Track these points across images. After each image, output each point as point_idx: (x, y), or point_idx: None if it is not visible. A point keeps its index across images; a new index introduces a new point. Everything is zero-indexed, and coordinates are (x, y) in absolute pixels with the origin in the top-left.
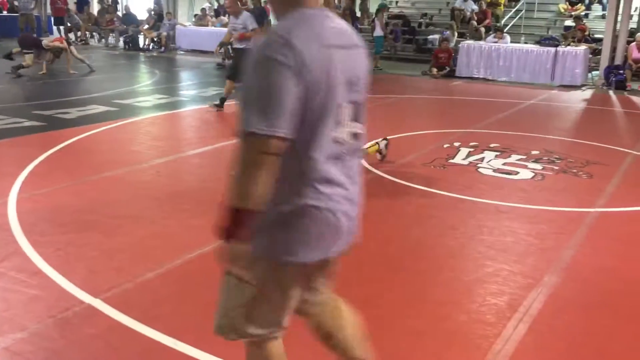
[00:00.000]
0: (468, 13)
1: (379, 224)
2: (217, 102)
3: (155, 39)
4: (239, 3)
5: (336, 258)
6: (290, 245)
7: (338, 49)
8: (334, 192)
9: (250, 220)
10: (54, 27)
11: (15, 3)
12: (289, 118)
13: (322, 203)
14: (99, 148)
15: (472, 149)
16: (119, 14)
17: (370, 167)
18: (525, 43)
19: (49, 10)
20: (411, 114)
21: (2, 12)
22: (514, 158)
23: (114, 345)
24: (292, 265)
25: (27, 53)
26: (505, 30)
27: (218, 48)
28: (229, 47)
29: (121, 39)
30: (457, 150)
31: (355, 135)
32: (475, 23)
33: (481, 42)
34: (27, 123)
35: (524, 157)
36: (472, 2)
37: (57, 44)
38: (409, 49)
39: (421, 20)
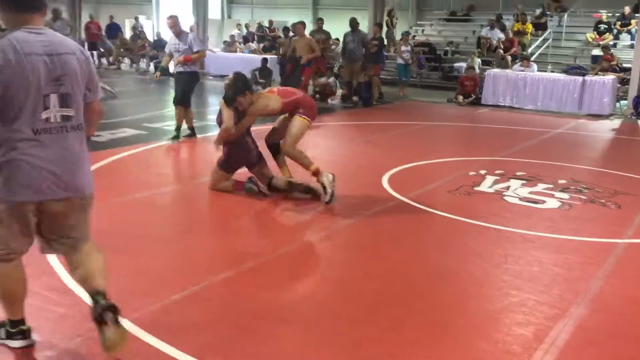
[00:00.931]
0: (494, 41)
1: (404, 250)
2: (175, 134)
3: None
4: (180, 23)
5: (62, 208)
6: (3, 187)
7: (40, 55)
8: (37, 152)
9: None
10: (87, 52)
11: (53, 29)
12: None
13: (25, 158)
14: (128, 170)
15: (498, 177)
16: (150, 39)
17: (395, 194)
18: (552, 72)
19: (83, 36)
20: (436, 141)
21: None
22: (540, 187)
23: None
24: (5, 202)
25: None
26: (532, 59)
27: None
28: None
29: (152, 64)
30: (483, 178)
31: (64, 117)
32: (501, 51)
33: (507, 70)
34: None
35: (551, 186)
36: (499, 31)
37: None
38: (435, 77)
39: (447, 48)
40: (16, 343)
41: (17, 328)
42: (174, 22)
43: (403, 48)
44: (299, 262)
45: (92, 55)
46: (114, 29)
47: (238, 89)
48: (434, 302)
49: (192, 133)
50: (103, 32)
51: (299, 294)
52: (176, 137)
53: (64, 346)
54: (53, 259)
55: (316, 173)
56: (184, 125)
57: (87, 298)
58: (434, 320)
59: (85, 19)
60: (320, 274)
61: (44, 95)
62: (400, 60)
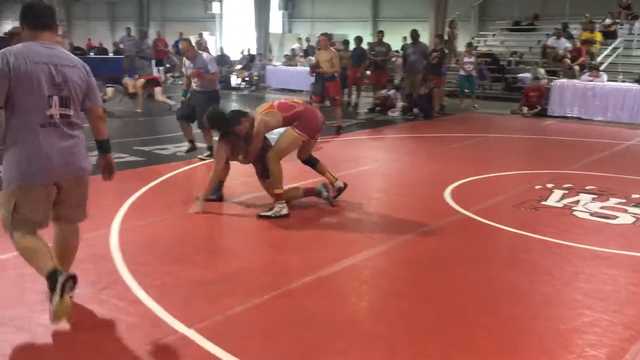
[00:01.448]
0: (561, 51)
1: (471, 267)
2: (189, 147)
3: (246, 79)
4: (194, 47)
5: (65, 187)
6: (18, 173)
7: (42, 64)
8: (41, 142)
9: None
10: (155, 68)
11: (121, 46)
12: None
13: (32, 148)
14: (192, 183)
15: (566, 191)
16: (213, 55)
17: (458, 208)
18: (624, 82)
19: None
20: (500, 153)
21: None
22: (612, 201)
23: None
24: (17, 187)
25: (110, 87)
26: (601, 69)
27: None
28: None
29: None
30: (550, 192)
31: (63, 115)
32: (568, 61)
33: (575, 81)
34: (129, 158)
35: (624, 200)
36: (565, 40)
37: (137, 85)
38: (498, 88)
39: (511, 58)
40: (66, 293)
41: (58, 275)
42: (187, 47)
43: (466, 59)
44: (360, 276)
45: (158, 71)
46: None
47: (232, 121)
48: (502, 321)
49: (192, 149)
50: (170, 49)
51: (359, 308)
52: (192, 149)
53: (133, 354)
54: (124, 270)
55: (279, 197)
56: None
57: (154, 308)
58: (503, 341)
59: (152, 36)
60: (382, 288)
61: (48, 96)
62: (462, 72)
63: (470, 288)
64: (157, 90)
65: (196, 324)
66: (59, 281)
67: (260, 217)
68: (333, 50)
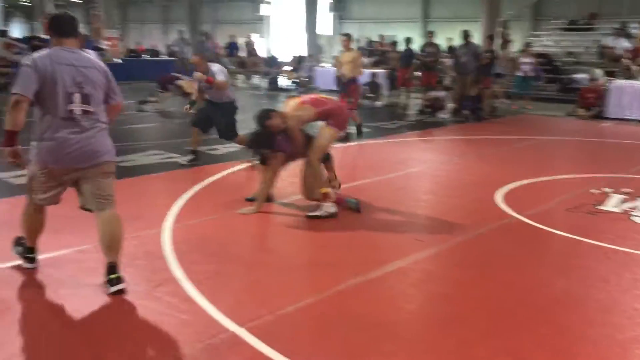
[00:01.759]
0: (619, 51)
1: (523, 272)
2: (191, 158)
3: (296, 80)
4: (204, 60)
5: (84, 175)
6: (40, 157)
7: (65, 65)
8: (63, 133)
9: (11, 135)
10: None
11: (175, 48)
12: (28, 89)
13: (54, 138)
14: (242, 183)
15: (625, 196)
16: (263, 57)
17: (510, 212)
18: None
19: None
20: (554, 156)
21: (158, 56)
22: None
23: None
24: (40, 167)
25: (161, 92)
26: None
27: (189, 107)
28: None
29: (265, 80)
30: (607, 196)
31: (85, 111)
32: (626, 61)
33: (634, 82)
34: (180, 158)
35: None
36: (624, 40)
37: (184, 85)
38: (552, 89)
39: (566, 58)
40: (27, 264)
41: (31, 253)
42: (198, 61)
43: (523, 60)
44: (408, 279)
45: None
46: (233, 48)
47: (261, 118)
48: (556, 329)
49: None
50: (222, 51)
51: (408, 311)
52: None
53: (185, 351)
54: (176, 268)
55: (325, 196)
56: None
57: (205, 306)
58: (557, 348)
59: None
60: (431, 291)
61: (69, 93)
62: (519, 73)
63: (521, 293)
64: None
65: (247, 323)
66: (29, 259)
67: (309, 217)
68: (356, 51)
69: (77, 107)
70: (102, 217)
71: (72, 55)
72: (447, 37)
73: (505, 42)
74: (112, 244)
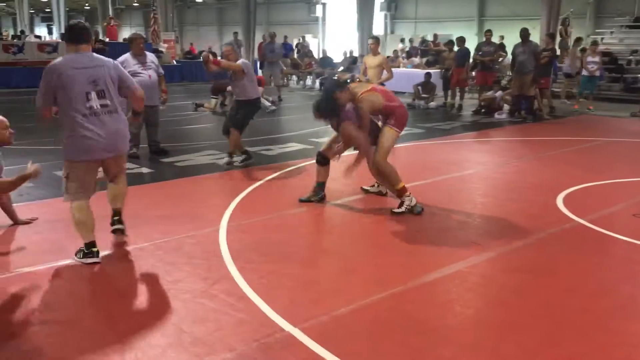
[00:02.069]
0: None
1: (584, 278)
2: (237, 159)
3: (348, 80)
4: (235, 52)
5: (109, 160)
6: (71, 152)
7: (80, 69)
8: (87, 128)
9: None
10: (259, 71)
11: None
12: (47, 100)
13: (80, 133)
14: (297, 183)
15: None
16: (316, 57)
17: (572, 216)
18: None
19: (256, 55)
20: (618, 158)
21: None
22: None
23: None
24: (74, 162)
25: (214, 98)
26: None
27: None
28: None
29: (317, 80)
30: None
31: (103, 105)
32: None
33: None
34: (236, 158)
35: None
36: None
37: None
38: (616, 89)
39: (631, 57)
40: (89, 260)
41: (90, 249)
42: (230, 50)
43: (590, 59)
44: (465, 283)
45: (262, 73)
46: (287, 49)
47: (333, 87)
48: (621, 337)
49: (246, 158)
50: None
51: (465, 316)
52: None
53: (241, 350)
54: (232, 267)
55: (402, 191)
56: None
57: (261, 305)
58: (621, 357)
59: (258, 39)
60: (490, 296)
61: (86, 92)
62: (585, 72)
63: (584, 300)
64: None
65: (302, 323)
66: (93, 253)
67: (394, 213)
68: (383, 55)
69: (95, 103)
70: (115, 182)
71: (86, 59)
72: (500, 35)
73: (565, 40)
74: (118, 196)
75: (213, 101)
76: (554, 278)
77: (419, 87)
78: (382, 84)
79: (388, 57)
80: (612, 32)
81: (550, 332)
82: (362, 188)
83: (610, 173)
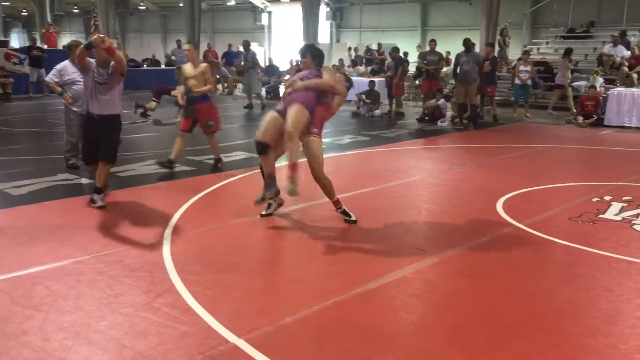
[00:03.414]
0: (618, 59)
1: (524, 281)
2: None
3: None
4: (196, 49)
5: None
6: None
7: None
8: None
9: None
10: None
11: (173, 57)
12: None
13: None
14: (242, 192)
15: (625, 204)
16: (262, 65)
17: (511, 220)
18: None
19: None
20: (554, 164)
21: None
22: None
23: None
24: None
25: (154, 101)
26: None
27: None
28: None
29: (263, 89)
30: (609, 204)
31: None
32: (626, 69)
33: (634, 89)
34: (180, 168)
35: None
36: (623, 48)
37: (178, 95)
38: (551, 97)
39: None
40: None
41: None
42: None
43: (522, 67)
44: (409, 289)
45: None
46: (231, 56)
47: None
48: (559, 338)
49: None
50: (219, 60)
51: (410, 322)
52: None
53: None
54: (176, 279)
55: (337, 203)
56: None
57: (205, 317)
58: (560, 358)
59: (203, 47)
60: (432, 302)
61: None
62: (517, 81)
63: (524, 302)
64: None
65: (246, 334)
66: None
67: (347, 222)
68: (203, 64)
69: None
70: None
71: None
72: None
73: (504, 50)
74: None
75: (153, 103)
76: (496, 282)
77: (363, 96)
78: (205, 97)
79: (334, 65)
80: (547, 42)
81: (492, 334)
82: (261, 215)
83: (547, 178)
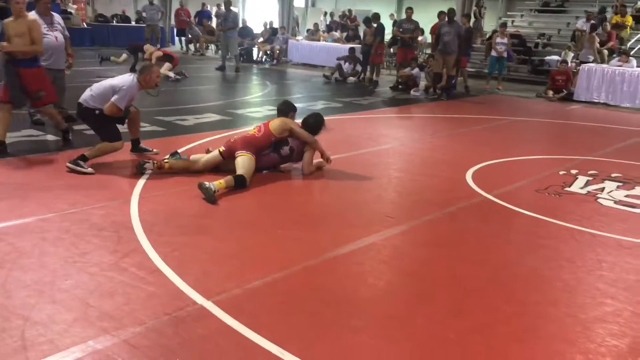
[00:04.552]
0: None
1: (490, 250)
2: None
3: (268, 52)
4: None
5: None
6: None
7: None
8: None
9: None
10: (176, 38)
11: (143, 14)
12: None
13: None
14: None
15: (591, 178)
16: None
17: (480, 191)
18: None
19: (173, 22)
20: (524, 137)
21: (131, 23)
22: (638, 190)
23: (223, 347)
24: None
25: (126, 54)
26: (631, 54)
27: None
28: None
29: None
30: (575, 178)
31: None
32: (598, 45)
33: (604, 65)
34: (149, 128)
35: None
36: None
37: (153, 54)
38: (524, 70)
39: (538, 40)
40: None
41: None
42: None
43: (499, 40)
44: (378, 255)
45: (180, 40)
46: (204, 16)
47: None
48: (521, 307)
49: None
50: (192, 19)
51: (377, 288)
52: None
53: (151, 323)
54: (144, 239)
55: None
56: None
57: (173, 278)
58: (522, 326)
59: (175, 5)
60: (400, 269)
61: None
62: (493, 53)
63: (490, 272)
64: (166, 65)
65: (214, 297)
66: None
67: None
68: (31, 18)
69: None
70: None
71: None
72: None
73: (479, 21)
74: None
75: (124, 55)
76: (463, 251)
77: (343, 62)
78: (31, 61)
79: (308, 30)
80: (522, 16)
81: (457, 302)
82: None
83: (516, 150)
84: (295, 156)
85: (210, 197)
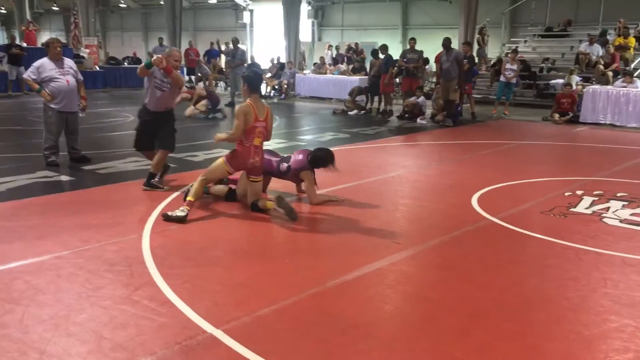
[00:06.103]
0: (594, 57)
1: (495, 272)
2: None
3: (276, 87)
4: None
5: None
6: None
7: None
8: None
9: None
10: (186, 77)
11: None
12: None
13: None
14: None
15: (596, 198)
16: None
17: (485, 214)
18: None
19: (182, 62)
20: (530, 160)
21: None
22: None
23: None
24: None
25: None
26: (635, 75)
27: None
28: None
29: None
30: (580, 198)
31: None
32: (602, 67)
33: (608, 87)
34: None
35: None
36: (599, 46)
37: (196, 93)
38: (529, 95)
39: (542, 64)
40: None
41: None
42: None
43: (508, 66)
44: (385, 280)
45: (190, 79)
46: (213, 55)
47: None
48: (526, 326)
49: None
50: (201, 58)
51: (385, 311)
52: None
53: (162, 353)
54: (155, 273)
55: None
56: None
57: (183, 309)
58: (526, 345)
59: (185, 45)
60: (407, 292)
61: None
62: (502, 78)
63: (495, 293)
64: (203, 101)
65: (224, 325)
66: None
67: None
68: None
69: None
70: None
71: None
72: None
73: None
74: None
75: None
76: (468, 273)
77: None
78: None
79: (315, 64)
80: (525, 41)
81: (462, 324)
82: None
83: (521, 174)
84: (290, 175)
85: (290, 213)
